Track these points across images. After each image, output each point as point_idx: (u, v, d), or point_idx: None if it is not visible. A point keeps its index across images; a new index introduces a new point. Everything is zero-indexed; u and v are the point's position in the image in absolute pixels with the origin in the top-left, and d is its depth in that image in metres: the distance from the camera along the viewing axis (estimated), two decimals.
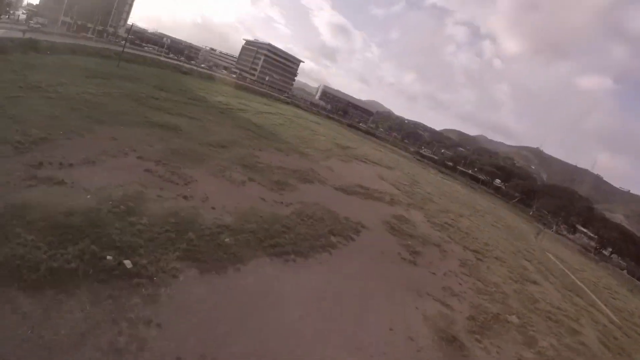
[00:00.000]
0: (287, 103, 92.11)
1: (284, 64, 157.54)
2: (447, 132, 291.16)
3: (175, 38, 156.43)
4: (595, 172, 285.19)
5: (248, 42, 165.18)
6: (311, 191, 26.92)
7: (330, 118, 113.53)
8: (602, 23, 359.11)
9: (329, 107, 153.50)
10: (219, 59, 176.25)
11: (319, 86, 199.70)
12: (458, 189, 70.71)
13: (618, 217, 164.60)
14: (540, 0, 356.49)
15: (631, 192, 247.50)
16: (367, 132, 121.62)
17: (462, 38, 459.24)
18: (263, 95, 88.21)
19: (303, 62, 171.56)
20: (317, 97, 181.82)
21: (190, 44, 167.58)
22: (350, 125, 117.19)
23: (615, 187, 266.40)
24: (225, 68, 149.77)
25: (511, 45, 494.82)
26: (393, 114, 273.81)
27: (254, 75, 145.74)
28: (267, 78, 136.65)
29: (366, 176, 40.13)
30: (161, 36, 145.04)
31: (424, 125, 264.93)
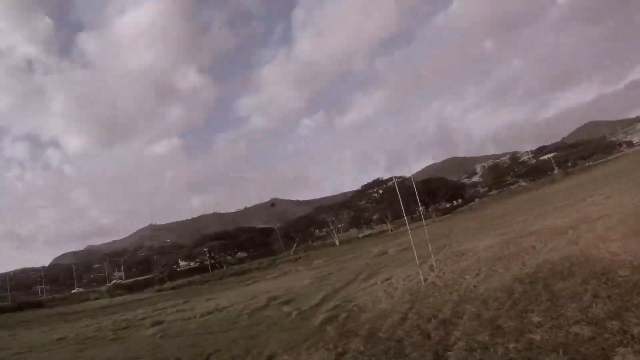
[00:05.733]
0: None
1: None
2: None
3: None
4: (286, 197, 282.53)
5: None
6: None
7: None
8: (152, 95, 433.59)
9: None
10: None
11: None
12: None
13: None
14: (93, 93, 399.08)
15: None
16: None
17: (23, 154, 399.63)
18: None
19: None
20: None
21: None
22: None
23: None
24: None
25: (76, 143, 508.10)
26: None
27: None
28: None
29: None
30: None
31: None
